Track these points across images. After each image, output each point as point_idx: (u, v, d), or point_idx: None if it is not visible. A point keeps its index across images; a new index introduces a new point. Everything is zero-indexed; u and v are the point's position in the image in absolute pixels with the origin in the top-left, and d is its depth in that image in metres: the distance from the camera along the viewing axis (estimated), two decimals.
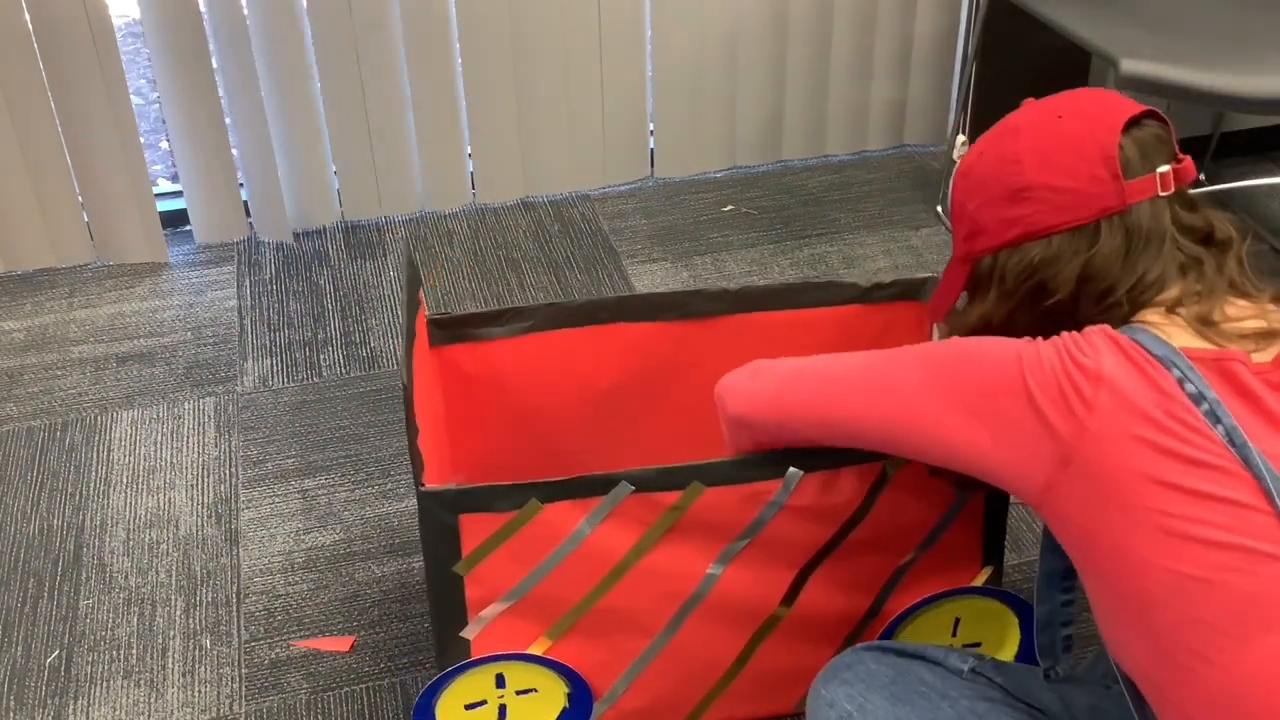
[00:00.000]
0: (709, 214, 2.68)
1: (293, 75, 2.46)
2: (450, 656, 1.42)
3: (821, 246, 2.57)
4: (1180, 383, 1.02)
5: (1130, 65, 1.94)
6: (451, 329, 1.64)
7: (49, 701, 1.65)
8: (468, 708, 1.47)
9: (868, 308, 1.68)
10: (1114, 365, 1.03)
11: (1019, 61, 2.74)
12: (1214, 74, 1.96)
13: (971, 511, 1.47)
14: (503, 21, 2.52)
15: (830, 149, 2.87)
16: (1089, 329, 1.07)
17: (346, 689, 1.65)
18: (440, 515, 1.34)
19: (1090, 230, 1.12)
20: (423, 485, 1.33)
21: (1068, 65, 2.78)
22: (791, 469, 1.36)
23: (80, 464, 2.04)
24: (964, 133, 2.80)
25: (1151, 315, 1.10)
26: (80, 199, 2.49)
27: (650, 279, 2.47)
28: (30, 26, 2.30)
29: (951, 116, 2.83)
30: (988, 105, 2.78)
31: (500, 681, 1.46)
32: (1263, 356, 1.06)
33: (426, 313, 1.62)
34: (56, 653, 1.72)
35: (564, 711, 1.49)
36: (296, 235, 2.61)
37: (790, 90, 2.76)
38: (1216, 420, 1.01)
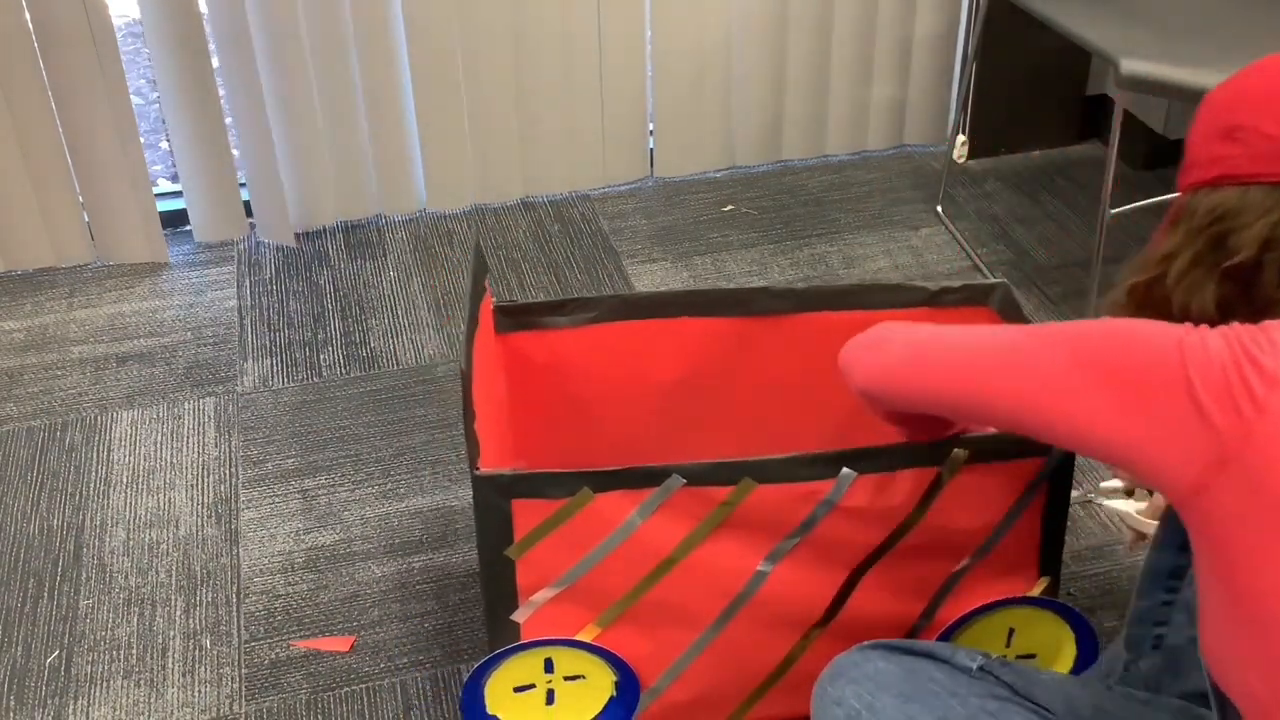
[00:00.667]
0: (709, 214, 2.68)
1: (292, 75, 2.46)
2: (500, 639, 1.42)
3: (821, 246, 2.57)
4: None
5: (1130, 65, 1.94)
6: (517, 316, 1.64)
7: (49, 701, 1.65)
8: (516, 690, 1.47)
9: (934, 311, 1.65)
10: None
11: (1019, 61, 2.74)
12: (1214, 74, 1.95)
13: (1029, 520, 1.44)
14: (503, 21, 2.52)
15: (830, 149, 2.87)
16: (1269, 323, 0.95)
17: (346, 689, 1.65)
18: (494, 499, 1.34)
19: None
20: (477, 469, 1.33)
21: (1068, 65, 2.80)
22: (845, 469, 1.34)
23: (80, 464, 2.04)
24: (964, 133, 2.82)
25: None
26: (80, 199, 2.49)
27: (650, 279, 2.47)
28: (30, 27, 2.30)
29: (951, 116, 2.83)
30: (988, 105, 2.79)
31: (549, 666, 1.45)
32: None
33: (493, 300, 1.62)
34: (56, 653, 1.71)
35: (611, 700, 1.48)
36: (297, 235, 2.61)
37: (790, 90, 2.76)
38: None
